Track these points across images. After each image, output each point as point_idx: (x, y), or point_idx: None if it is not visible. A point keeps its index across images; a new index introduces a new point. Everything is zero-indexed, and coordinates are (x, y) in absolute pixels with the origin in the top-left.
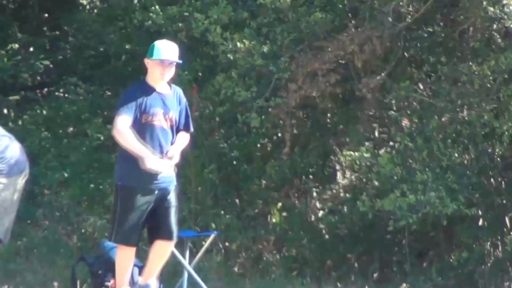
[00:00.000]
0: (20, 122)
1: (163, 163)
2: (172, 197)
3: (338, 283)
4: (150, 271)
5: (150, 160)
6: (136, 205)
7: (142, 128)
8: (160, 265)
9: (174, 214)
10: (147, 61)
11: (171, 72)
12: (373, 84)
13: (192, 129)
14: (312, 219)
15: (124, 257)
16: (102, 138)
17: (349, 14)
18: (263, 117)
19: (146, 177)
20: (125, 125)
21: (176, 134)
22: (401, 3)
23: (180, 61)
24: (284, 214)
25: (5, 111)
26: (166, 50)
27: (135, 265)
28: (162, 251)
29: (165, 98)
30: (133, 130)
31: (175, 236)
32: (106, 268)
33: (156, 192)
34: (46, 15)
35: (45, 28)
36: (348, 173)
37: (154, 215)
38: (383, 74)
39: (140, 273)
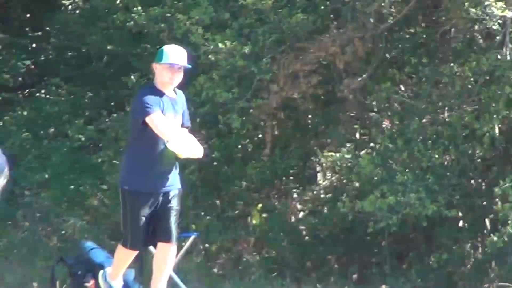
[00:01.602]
0: (1, 123)
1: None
2: (174, 201)
3: (318, 284)
4: (156, 280)
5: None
6: (144, 208)
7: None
8: (163, 272)
9: (174, 217)
10: (155, 65)
11: (180, 76)
12: (354, 86)
13: (190, 124)
14: (292, 220)
15: (126, 254)
16: (83, 139)
17: (331, 15)
18: (244, 118)
19: (153, 181)
20: (164, 119)
21: None
22: (383, 4)
23: (190, 66)
24: (264, 215)
25: None
26: (175, 54)
27: None
28: (162, 255)
29: (174, 102)
30: (148, 133)
31: (174, 238)
32: (85, 269)
33: (161, 195)
34: (28, 15)
35: (27, 29)
36: (328, 174)
37: (155, 217)
38: (364, 75)
39: None
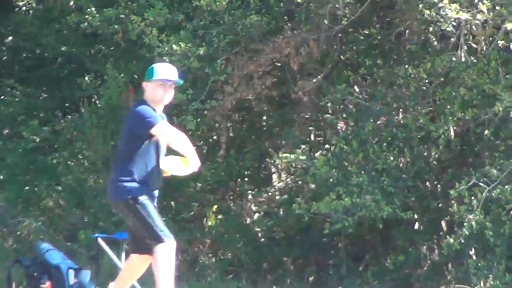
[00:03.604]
0: None
1: None
2: None
3: (274, 286)
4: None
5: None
6: (151, 203)
7: (151, 145)
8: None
9: None
10: (145, 84)
11: (171, 93)
12: (309, 87)
13: None
14: (248, 222)
15: (171, 253)
16: (37, 140)
17: (285, 17)
18: (198, 119)
19: (148, 193)
20: (169, 125)
21: None
22: (337, 6)
23: (181, 82)
24: (220, 217)
25: None
26: (166, 71)
27: (71, 268)
28: (138, 263)
29: (164, 119)
30: (144, 149)
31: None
32: (41, 270)
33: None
34: None
35: None
36: (284, 176)
37: None
38: (319, 77)
39: (76, 276)
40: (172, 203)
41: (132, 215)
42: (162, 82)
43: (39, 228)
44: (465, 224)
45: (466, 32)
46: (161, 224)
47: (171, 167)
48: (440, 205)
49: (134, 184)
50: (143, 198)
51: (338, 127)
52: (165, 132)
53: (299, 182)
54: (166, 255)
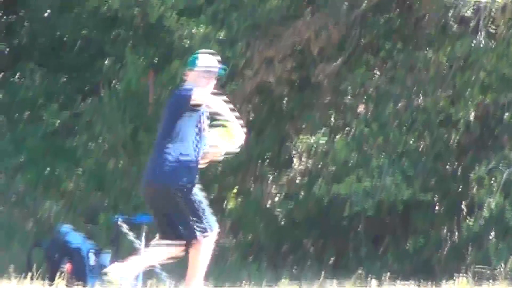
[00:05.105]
0: None
1: None
2: None
3: (294, 268)
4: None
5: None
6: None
7: (194, 126)
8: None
9: None
10: (188, 73)
11: (213, 82)
12: (328, 71)
13: None
14: (268, 204)
15: (211, 247)
16: (57, 123)
17: (305, 1)
18: None
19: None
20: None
21: None
22: None
23: (224, 72)
24: (240, 199)
25: None
26: (209, 60)
27: (91, 250)
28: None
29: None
30: (188, 128)
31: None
32: (62, 252)
33: None
34: (1, 0)
35: (0, 13)
36: (304, 159)
37: None
38: (339, 60)
39: (96, 258)
40: None
41: (181, 201)
42: (205, 70)
43: (59, 211)
44: (484, 206)
45: (485, 16)
46: (209, 212)
47: (219, 141)
48: (460, 187)
49: (185, 169)
50: (195, 185)
51: (358, 110)
52: (205, 96)
53: (319, 165)
54: (207, 248)
